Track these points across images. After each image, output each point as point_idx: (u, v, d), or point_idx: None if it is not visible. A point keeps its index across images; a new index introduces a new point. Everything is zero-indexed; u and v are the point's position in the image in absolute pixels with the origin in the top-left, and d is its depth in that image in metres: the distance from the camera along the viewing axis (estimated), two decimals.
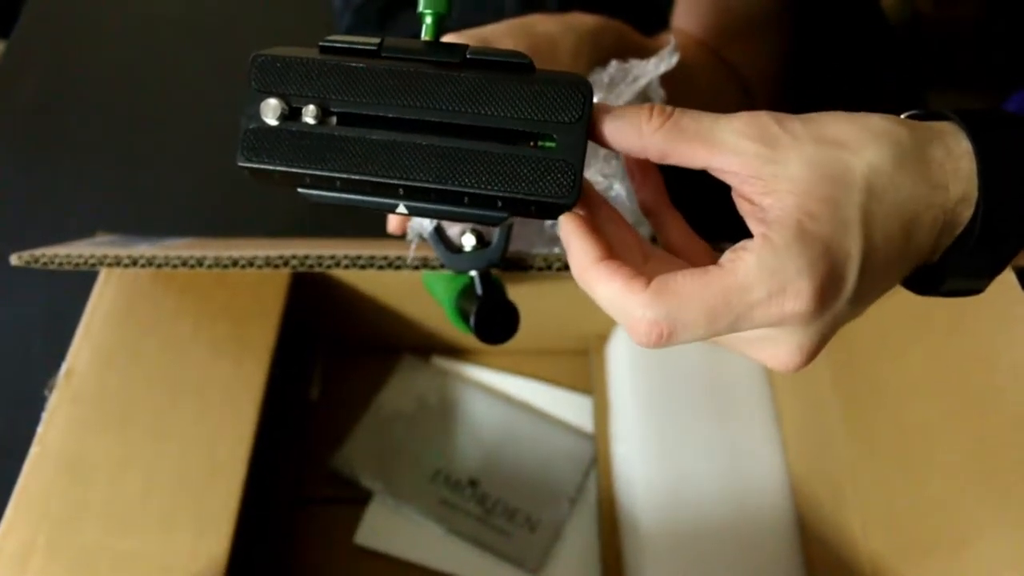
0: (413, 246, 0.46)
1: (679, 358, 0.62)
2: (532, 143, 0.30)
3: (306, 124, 0.30)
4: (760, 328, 0.30)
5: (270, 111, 0.29)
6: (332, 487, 0.62)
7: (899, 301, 0.50)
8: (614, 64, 0.45)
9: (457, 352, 0.69)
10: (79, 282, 0.55)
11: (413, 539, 0.59)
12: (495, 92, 0.29)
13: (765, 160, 0.30)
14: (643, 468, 0.57)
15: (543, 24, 0.47)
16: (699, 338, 0.30)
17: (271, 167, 0.30)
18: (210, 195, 0.75)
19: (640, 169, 0.35)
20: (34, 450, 0.49)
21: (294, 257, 0.46)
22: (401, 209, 0.31)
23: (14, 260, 0.48)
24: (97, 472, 0.48)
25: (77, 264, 0.47)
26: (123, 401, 0.51)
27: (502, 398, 0.66)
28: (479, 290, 0.46)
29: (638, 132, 0.30)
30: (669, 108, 0.31)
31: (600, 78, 0.45)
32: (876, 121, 0.31)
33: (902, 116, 0.33)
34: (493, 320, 0.46)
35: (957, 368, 0.45)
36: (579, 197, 0.30)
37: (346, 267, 0.45)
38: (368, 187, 0.30)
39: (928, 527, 0.44)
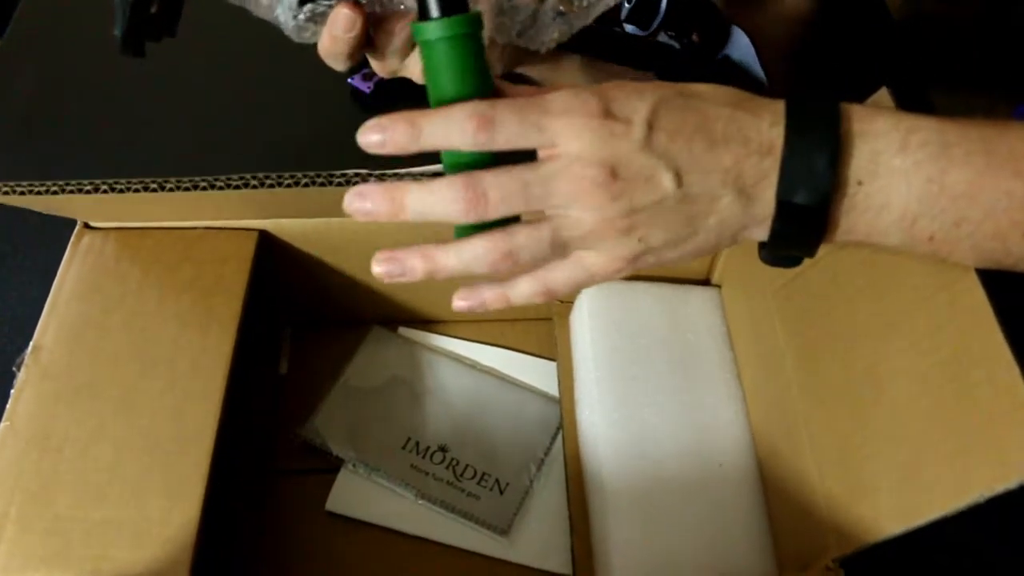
0: None
1: (641, 321, 0.63)
2: None
3: None
4: (553, 140, 0.37)
5: None
6: (303, 458, 0.63)
7: (845, 254, 0.52)
8: None
9: (424, 323, 0.70)
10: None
11: (384, 505, 0.60)
12: None
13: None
14: (607, 429, 0.59)
15: None
16: (513, 128, 0.37)
17: None
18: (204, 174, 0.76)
19: None
20: (3, 424, 0.49)
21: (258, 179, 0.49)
22: None
23: None
24: (67, 444, 0.49)
25: (39, 193, 0.49)
26: (91, 375, 0.52)
27: (469, 366, 0.68)
28: None
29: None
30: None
31: None
32: None
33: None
34: None
35: (898, 310, 0.46)
36: None
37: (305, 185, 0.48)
38: None
39: (877, 464, 0.46)
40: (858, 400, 0.48)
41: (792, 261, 0.43)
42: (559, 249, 0.39)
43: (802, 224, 0.40)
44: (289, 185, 0.50)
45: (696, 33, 0.69)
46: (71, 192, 0.50)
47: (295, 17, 0.41)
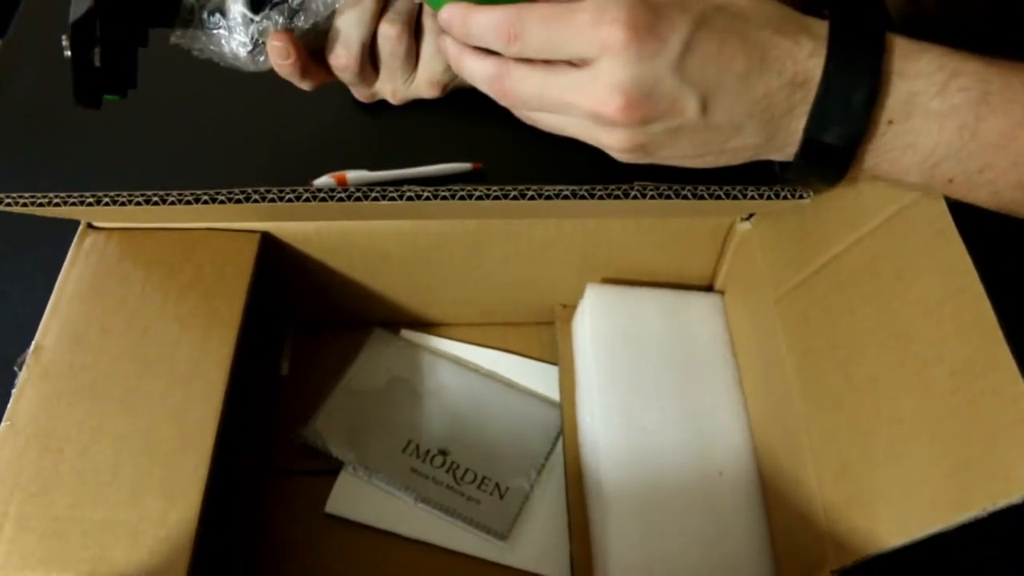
0: None
1: (643, 327, 0.63)
2: None
3: None
4: (582, 53, 0.35)
5: None
6: (303, 459, 0.63)
7: (849, 258, 0.52)
8: None
9: (426, 325, 0.70)
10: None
11: (383, 508, 0.60)
12: None
13: None
14: (607, 435, 0.58)
15: None
16: (537, 42, 0.36)
17: None
18: (209, 185, 0.76)
19: None
20: (4, 424, 0.49)
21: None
22: None
23: None
24: (67, 444, 0.49)
25: (41, 205, 0.49)
26: (92, 375, 0.52)
27: (471, 369, 0.68)
28: None
29: None
30: None
31: None
32: None
33: None
34: None
35: (902, 321, 0.46)
36: None
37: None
38: None
39: (878, 476, 0.46)
40: (860, 410, 0.48)
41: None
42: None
43: (826, 161, 0.38)
44: (291, 200, 0.50)
45: None
46: (73, 205, 0.50)
47: (248, 52, 0.44)
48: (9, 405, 0.50)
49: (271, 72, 0.47)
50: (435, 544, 0.59)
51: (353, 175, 0.73)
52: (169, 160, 0.78)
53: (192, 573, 0.46)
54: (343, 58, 0.45)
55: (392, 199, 0.52)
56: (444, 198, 0.52)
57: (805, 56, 0.36)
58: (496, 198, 0.52)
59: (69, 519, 0.47)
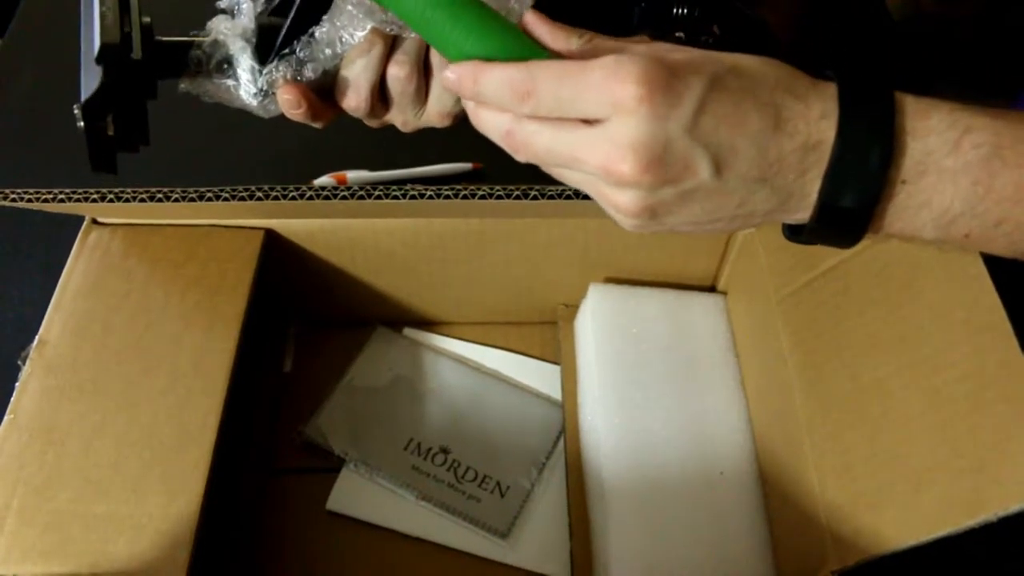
0: None
1: (645, 327, 0.63)
2: None
3: None
4: (595, 112, 0.35)
5: None
6: (305, 457, 0.63)
7: (857, 262, 0.52)
8: None
9: (429, 324, 0.70)
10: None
11: (384, 506, 0.60)
12: None
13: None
14: (608, 434, 0.58)
15: None
16: (551, 100, 0.36)
17: None
18: (209, 183, 0.76)
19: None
20: (7, 417, 0.49)
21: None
22: None
23: None
24: (70, 439, 0.49)
25: (47, 200, 0.49)
26: (95, 370, 0.52)
27: (473, 368, 0.68)
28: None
29: (567, 41, 0.39)
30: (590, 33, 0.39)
31: None
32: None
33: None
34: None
35: (912, 325, 0.46)
36: None
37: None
38: None
39: (883, 478, 0.46)
40: (865, 412, 0.48)
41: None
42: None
43: (843, 225, 0.38)
44: (294, 198, 0.50)
45: (716, 26, 0.67)
46: (77, 201, 0.51)
47: (259, 101, 0.44)
48: (12, 399, 0.50)
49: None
50: (436, 542, 0.60)
51: (353, 175, 0.73)
52: (170, 164, 0.78)
53: (193, 567, 0.46)
54: (353, 101, 0.45)
55: (395, 198, 0.52)
56: (447, 197, 0.52)
57: (817, 117, 0.36)
58: (499, 197, 0.52)
59: (71, 513, 0.47)
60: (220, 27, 0.44)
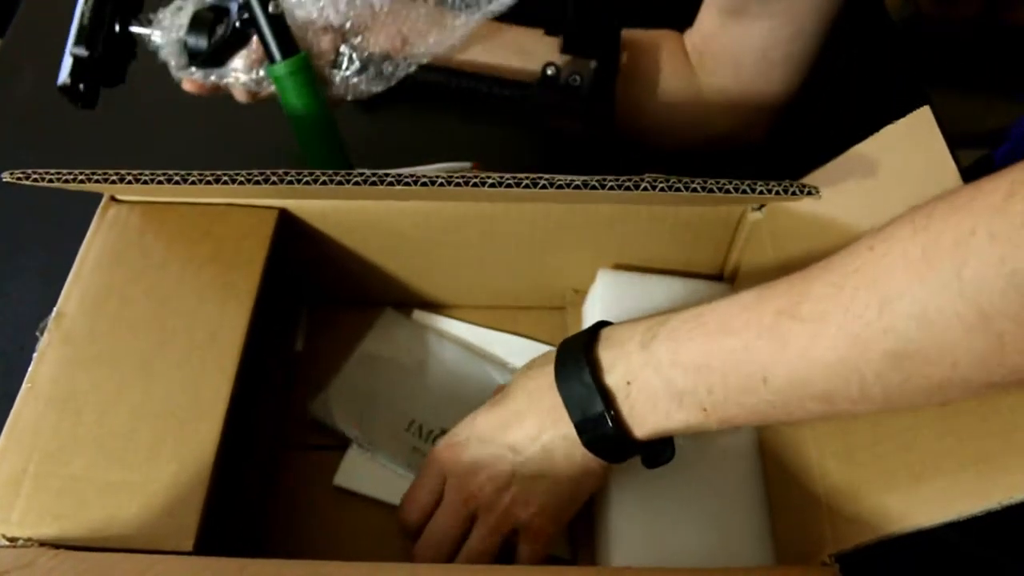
0: None
1: (653, 313, 0.64)
2: None
3: None
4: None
5: None
6: (314, 434, 0.64)
7: None
8: None
9: (438, 307, 0.71)
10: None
11: (388, 483, 0.61)
12: None
13: None
14: None
15: None
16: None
17: None
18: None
19: None
20: (25, 386, 0.51)
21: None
22: None
23: (6, 177, 0.53)
24: (85, 408, 0.50)
25: (67, 180, 0.51)
26: (111, 342, 0.53)
27: (479, 352, 0.68)
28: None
29: None
30: None
31: None
32: None
33: None
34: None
35: None
36: None
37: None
38: None
39: (884, 464, 0.46)
40: None
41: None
42: None
43: (603, 433, 0.47)
44: (307, 182, 0.52)
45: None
46: (97, 181, 0.52)
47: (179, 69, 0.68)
48: (30, 368, 0.52)
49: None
50: None
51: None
52: (172, 159, 0.79)
53: (201, 535, 0.47)
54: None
55: (407, 184, 0.53)
56: (457, 185, 0.53)
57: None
58: (508, 186, 0.52)
59: (85, 479, 0.48)
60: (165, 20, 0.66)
